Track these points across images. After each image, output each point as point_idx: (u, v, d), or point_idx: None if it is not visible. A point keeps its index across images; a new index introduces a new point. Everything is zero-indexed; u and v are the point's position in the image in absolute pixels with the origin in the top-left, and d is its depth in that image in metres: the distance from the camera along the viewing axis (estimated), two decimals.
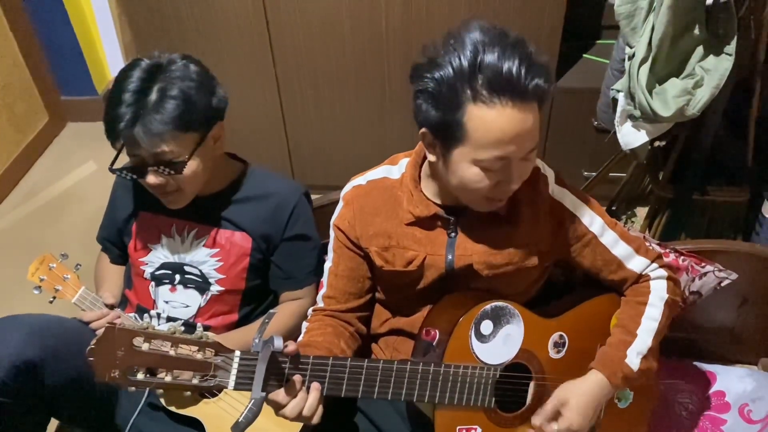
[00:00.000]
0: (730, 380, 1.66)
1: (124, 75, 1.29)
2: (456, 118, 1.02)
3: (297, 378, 1.04)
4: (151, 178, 1.31)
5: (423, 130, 1.10)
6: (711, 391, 1.66)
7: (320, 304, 1.30)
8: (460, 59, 1.00)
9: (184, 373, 0.97)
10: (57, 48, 3.04)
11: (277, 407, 1.05)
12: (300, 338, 1.25)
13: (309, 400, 1.05)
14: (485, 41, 1.00)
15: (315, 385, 1.05)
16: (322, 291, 1.30)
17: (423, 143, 1.14)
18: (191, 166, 1.32)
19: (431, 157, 1.13)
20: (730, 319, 1.69)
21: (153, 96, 1.26)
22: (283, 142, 2.57)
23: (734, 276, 1.54)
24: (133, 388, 0.96)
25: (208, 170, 1.38)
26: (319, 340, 1.21)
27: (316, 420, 1.06)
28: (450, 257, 1.21)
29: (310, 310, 1.32)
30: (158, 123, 1.25)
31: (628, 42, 1.63)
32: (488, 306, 1.16)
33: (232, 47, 2.32)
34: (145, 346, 0.94)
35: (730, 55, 1.50)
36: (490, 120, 1.01)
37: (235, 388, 0.99)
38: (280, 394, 1.03)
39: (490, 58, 0.99)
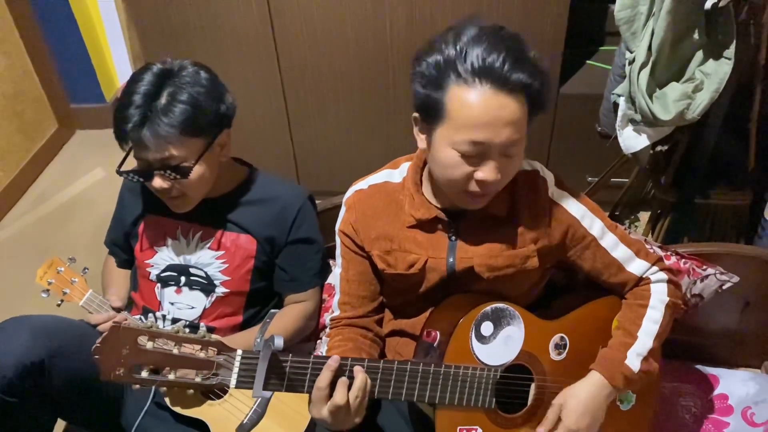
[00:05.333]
0: (733, 383, 1.66)
1: (135, 78, 1.32)
2: (439, 96, 1.06)
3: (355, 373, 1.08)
4: (157, 182, 1.33)
5: (414, 114, 1.14)
6: (714, 394, 1.66)
7: (336, 312, 1.32)
8: (450, 46, 1.06)
9: (187, 372, 0.98)
10: (66, 57, 3.08)
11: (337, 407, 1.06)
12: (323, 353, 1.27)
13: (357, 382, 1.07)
14: (478, 34, 1.06)
15: (357, 368, 1.08)
16: (336, 298, 1.32)
17: (415, 129, 1.17)
18: (197, 171, 1.34)
19: (421, 144, 1.16)
20: (732, 322, 1.69)
21: (162, 100, 1.28)
22: (288, 147, 2.59)
23: (736, 279, 1.54)
24: (138, 386, 0.98)
25: (213, 176, 1.40)
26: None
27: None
28: (451, 260, 1.22)
29: (327, 320, 1.33)
30: (166, 126, 1.27)
31: (629, 47, 1.64)
32: (488, 307, 1.17)
33: (238, 54, 2.35)
34: (149, 345, 0.96)
35: (729, 59, 1.51)
36: (468, 100, 1.04)
37: (237, 386, 1.01)
38: (339, 395, 1.05)
39: (478, 47, 1.04)
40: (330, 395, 1.06)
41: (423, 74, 1.09)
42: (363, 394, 1.08)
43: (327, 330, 1.33)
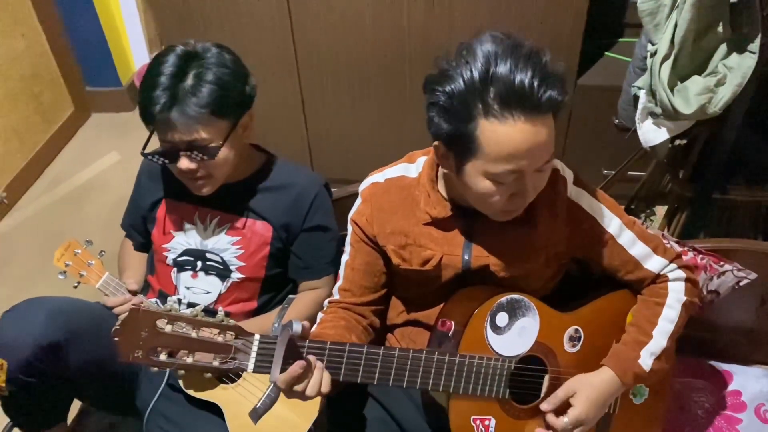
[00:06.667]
0: (747, 380, 1.66)
1: (159, 60, 1.31)
2: (468, 131, 1.01)
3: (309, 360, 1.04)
4: (184, 162, 1.32)
5: (436, 143, 1.10)
6: (727, 390, 1.66)
7: (336, 296, 1.32)
8: (471, 72, 0.99)
9: (205, 355, 0.99)
10: (83, 40, 3.09)
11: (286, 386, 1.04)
12: (313, 329, 1.27)
13: (314, 377, 1.05)
14: (497, 52, 0.99)
15: (318, 365, 1.05)
16: (339, 283, 1.32)
17: (436, 155, 1.14)
18: (223, 152, 1.33)
19: (446, 169, 1.14)
20: (748, 319, 1.68)
21: (189, 80, 1.27)
22: (303, 136, 2.59)
23: (753, 276, 1.53)
24: (156, 369, 0.99)
25: (236, 158, 1.39)
26: (330, 333, 1.22)
27: (324, 389, 1.06)
28: (467, 257, 1.21)
29: (326, 302, 1.33)
30: (195, 106, 1.26)
31: (651, 39, 1.62)
32: (504, 298, 1.17)
33: (255, 40, 2.34)
34: (168, 328, 0.97)
35: (753, 53, 1.49)
36: (502, 134, 1.00)
37: (255, 371, 1.01)
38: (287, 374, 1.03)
39: (502, 70, 0.98)
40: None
41: (444, 108, 1.03)
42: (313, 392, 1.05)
43: (323, 310, 1.32)
